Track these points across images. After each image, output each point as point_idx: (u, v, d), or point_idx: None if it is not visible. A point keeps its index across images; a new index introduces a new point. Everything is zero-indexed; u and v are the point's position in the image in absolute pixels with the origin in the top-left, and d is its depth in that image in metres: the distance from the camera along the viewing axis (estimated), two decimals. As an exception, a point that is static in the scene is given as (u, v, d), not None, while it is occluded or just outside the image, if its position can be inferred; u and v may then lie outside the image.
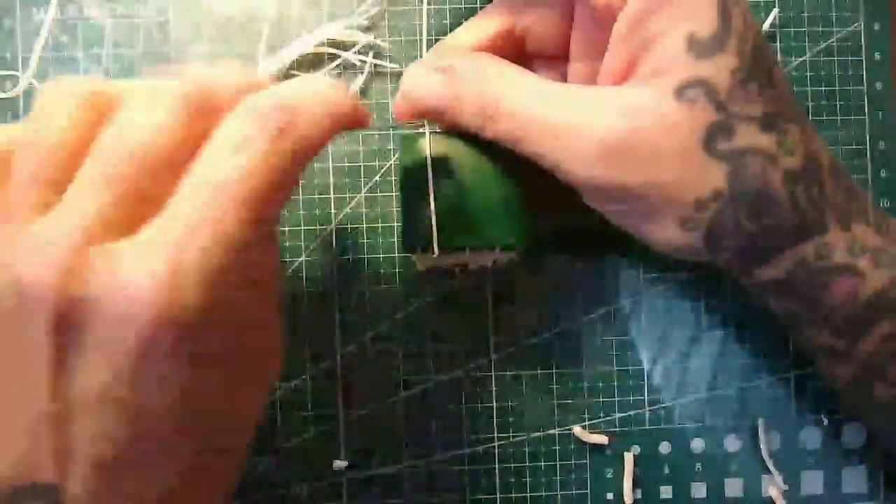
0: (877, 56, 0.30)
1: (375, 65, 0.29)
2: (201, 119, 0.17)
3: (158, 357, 0.16)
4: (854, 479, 0.30)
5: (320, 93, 0.18)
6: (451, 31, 0.29)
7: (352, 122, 0.19)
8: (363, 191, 0.29)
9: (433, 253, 0.25)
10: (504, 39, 0.25)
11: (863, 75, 0.30)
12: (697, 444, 0.30)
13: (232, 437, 0.19)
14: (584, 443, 0.30)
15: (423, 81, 0.23)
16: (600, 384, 0.30)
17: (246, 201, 0.16)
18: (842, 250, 0.22)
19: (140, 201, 0.16)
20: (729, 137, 0.20)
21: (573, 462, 0.30)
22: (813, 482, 0.30)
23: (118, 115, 0.17)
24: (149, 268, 0.15)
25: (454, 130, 0.24)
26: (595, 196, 0.23)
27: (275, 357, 0.21)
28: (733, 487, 0.30)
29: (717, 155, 0.20)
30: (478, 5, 0.29)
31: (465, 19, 0.29)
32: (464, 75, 0.22)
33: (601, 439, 0.29)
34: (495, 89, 0.22)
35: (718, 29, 0.20)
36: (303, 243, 0.29)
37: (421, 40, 0.29)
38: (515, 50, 0.25)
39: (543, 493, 0.30)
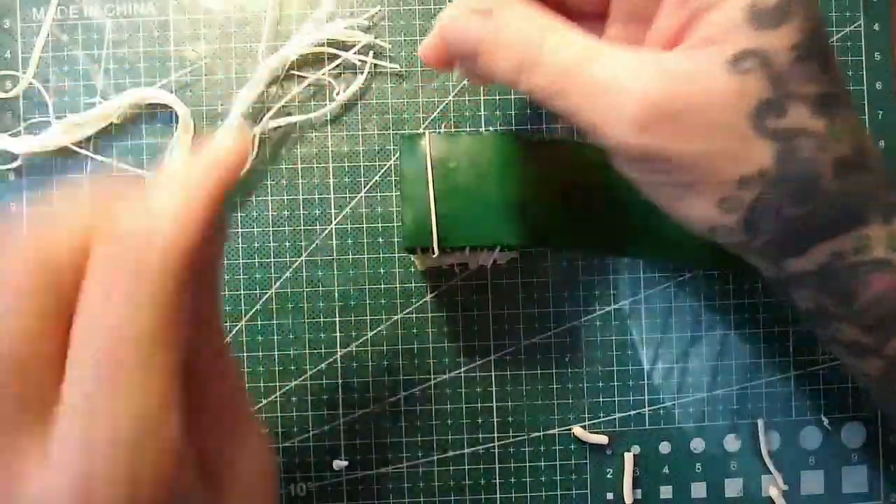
0: (877, 56, 0.30)
1: (375, 65, 0.29)
2: (60, 295, 0.15)
3: None
4: (854, 479, 0.30)
5: (172, 191, 0.16)
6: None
7: (233, 176, 0.17)
8: (363, 191, 0.29)
9: (433, 253, 0.25)
10: None
11: (863, 75, 0.30)
12: (697, 444, 0.30)
13: None
14: (584, 443, 0.30)
15: (461, 22, 0.21)
16: (600, 384, 0.30)
17: (143, 363, 0.15)
18: (882, 245, 0.20)
19: (32, 402, 0.15)
20: (780, 115, 0.19)
21: (573, 462, 0.30)
22: (813, 482, 0.30)
23: None
24: (59, 496, 0.14)
25: (484, 80, 0.23)
26: (630, 162, 0.21)
27: (266, 477, 0.19)
28: (733, 487, 0.30)
29: (767, 133, 0.19)
30: (478, 5, 0.29)
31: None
32: (505, 19, 0.21)
33: (601, 439, 0.29)
34: (537, 37, 0.20)
35: (782, 0, 0.19)
36: (303, 243, 0.29)
37: (421, 40, 0.29)
38: (553, 3, 0.23)
39: (543, 493, 0.30)
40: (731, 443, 0.30)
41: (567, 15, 0.24)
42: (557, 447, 0.30)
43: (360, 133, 0.29)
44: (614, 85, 0.19)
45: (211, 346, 0.19)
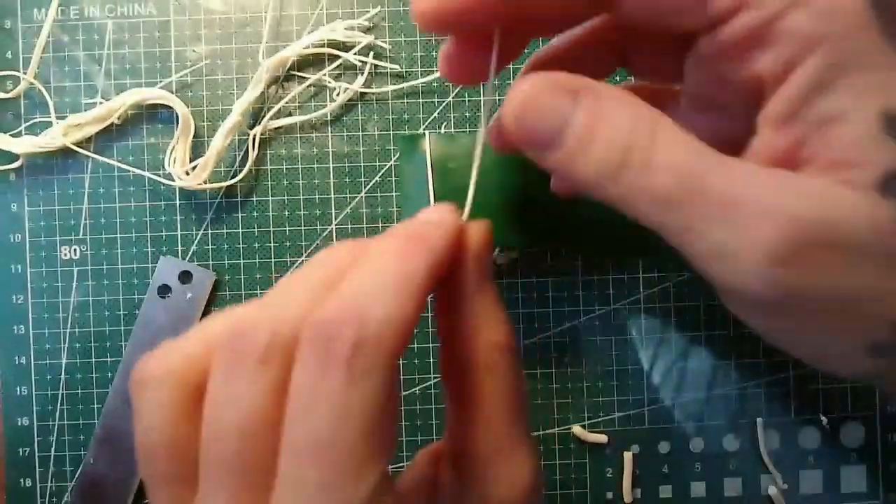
0: (876, 56, 0.30)
1: (375, 65, 0.29)
2: (280, 364, 0.15)
3: None
4: (853, 479, 0.30)
5: (398, 273, 0.16)
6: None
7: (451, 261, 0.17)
8: (363, 191, 0.29)
9: (433, 253, 0.25)
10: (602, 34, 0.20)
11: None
12: (697, 444, 0.30)
13: None
14: (584, 442, 0.30)
15: (545, 102, 0.17)
16: (600, 384, 0.30)
17: (340, 460, 0.14)
18: None
19: (262, 474, 0.15)
20: None
21: (573, 462, 0.30)
22: (812, 481, 0.30)
23: (210, 400, 0.16)
24: None
25: (562, 184, 0.21)
26: (756, 303, 0.17)
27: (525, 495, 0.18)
28: (732, 487, 0.30)
29: None
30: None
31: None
32: (605, 104, 0.16)
33: (601, 439, 0.29)
34: (646, 132, 0.16)
35: None
36: (303, 243, 0.29)
37: (421, 41, 0.30)
38: (614, 51, 0.20)
39: (543, 493, 0.30)
40: (731, 442, 0.30)
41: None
42: (557, 447, 0.30)
43: (360, 133, 0.29)
44: (750, 203, 0.15)
45: (490, 338, 0.18)
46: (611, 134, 0.16)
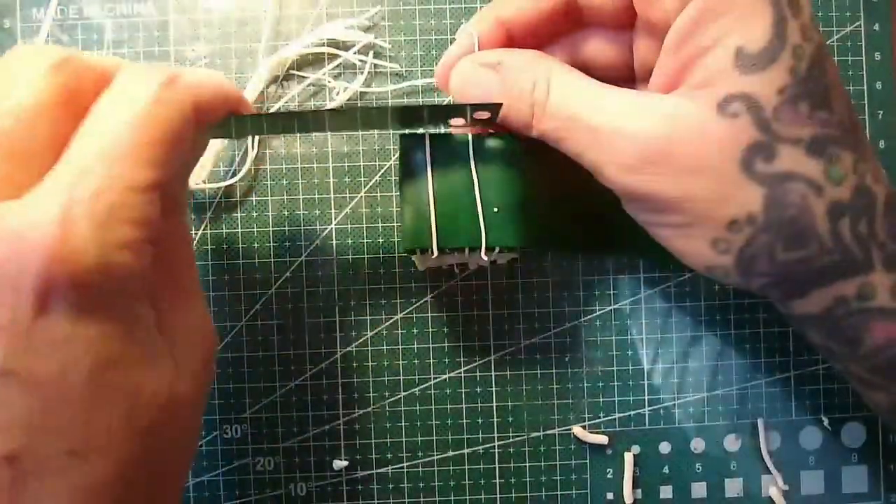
0: (877, 56, 0.30)
1: (375, 65, 0.29)
2: (84, 84, 0.18)
3: (56, 312, 0.15)
4: (854, 479, 0.30)
5: (200, 70, 0.20)
6: (451, 32, 0.29)
7: (234, 101, 0.20)
8: (363, 191, 0.29)
9: (433, 253, 0.25)
10: (563, 8, 0.24)
11: (863, 75, 0.30)
12: (697, 444, 0.30)
13: (171, 424, 0.18)
14: (584, 443, 0.30)
15: (471, 78, 0.23)
16: (600, 384, 0.30)
17: (136, 147, 0.16)
18: (886, 293, 0.20)
19: (26, 160, 0.16)
20: (770, 159, 0.19)
21: (573, 462, 0.30)
22: (813, 482, 0.30)
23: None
24: (35, 217, 0.15)
25: (495, 128, 0.24)
26: (631, 203, 0.22)
27: (207, 337, 0.20)
28: (733, 487, 0.30)
29: (756, 177, 0.19)
30: (478, 5, 0.29)
31: (465, 19, 0.29)
32: (513, 72, 0.22)
33: (601, 439, 0.29)
34: (543, 87, 0.21)
35: (770, 42, 0.19)
36: (302, 244, 0.29)
37: (421, 40, 0.29)
38: (571, 20, 0.24)
39: (543, 493, 0.30)
40: (731, 443, 0.30)
41: (588, 28, 0.25)
42: (557, 447, 0.30)
43: (360, 133, 0.29)
44: (610, 128, 0.20)
45: (177, 229, 0.21)
46: (518, 96, 0.22)
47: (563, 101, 0.21)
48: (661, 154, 0.20)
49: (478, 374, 0.30)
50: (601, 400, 0.30)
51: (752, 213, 0.20)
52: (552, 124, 0.21)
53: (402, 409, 0.29)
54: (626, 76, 0.25)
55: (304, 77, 0.29)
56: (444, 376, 0.29)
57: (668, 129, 0.20)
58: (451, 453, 0.29)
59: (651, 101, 0.20)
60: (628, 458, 0.30)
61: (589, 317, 0.30)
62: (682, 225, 0.21)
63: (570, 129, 0.21)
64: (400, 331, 0.29)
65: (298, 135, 0.29)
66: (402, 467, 0.29)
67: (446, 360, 0.30)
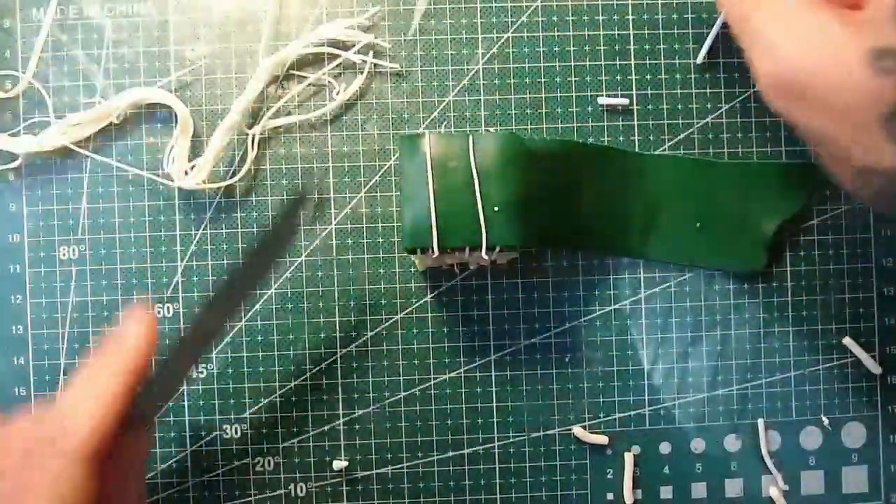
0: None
1: (375, 65, 0.29)
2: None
3: None
4: (854, 479, 0.30)
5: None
6: (451, 32, 0.29)
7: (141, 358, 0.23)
8: (363, 191, 0.29)
9: (433, 253, 0.25)
10: None
11: None
12: (697, 444, 0.30)
13: None
14: (584, 443, 0.30)
15: None
16: (600, 384, 0.30)
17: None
18: None
19: None
20: None
21: (573, 462, 0.30)
22: (813, 482, 0.30)
23: None
24: None
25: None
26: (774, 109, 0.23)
27: None
28: (733, 487, 0.30)
29: (894, 136, 0.19)
30: (478, 5, 0.29)
31: (466, 19, 0.29)
32: None
33: (601, 439, 0.29)
34: None
35: None
36: (303, 243, 0.29)
37: (421, 40, 0.29)
38: None
39: (543, 493, 0.30)
40: (732, 443, 0.30)
41: None
42: (557, 447, 0.30)
43: (360, 133, 0.29)
44: (764, 41, 0.21)
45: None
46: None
47: (752, 10, 0.22)
48: (796, 86, 0.20)
49: (478, 374, 0.30)
50: (601, 400, 0.30)
51: (887, 168, 0.20)
52: (733, 19, 0.23)
53: (402, 409, 0.29)
54: None
55: (303, 77, 0.29)
56: (444, 376, 0.29)
57: (811, 64, 0.20)
58: (451, 453, 0.29)
59: (816, 24, 0.20)
60: (628, 458, 0.30)
61: (589, 317, 0.30)
62: (823, 154, 0.22)
63: (741, 27, 0.22)
64: (400, 331, 0.29)
65: (298, 134, 0.29)
66: (402, 467, 0.29)
67: (446, 360, 0.29)
